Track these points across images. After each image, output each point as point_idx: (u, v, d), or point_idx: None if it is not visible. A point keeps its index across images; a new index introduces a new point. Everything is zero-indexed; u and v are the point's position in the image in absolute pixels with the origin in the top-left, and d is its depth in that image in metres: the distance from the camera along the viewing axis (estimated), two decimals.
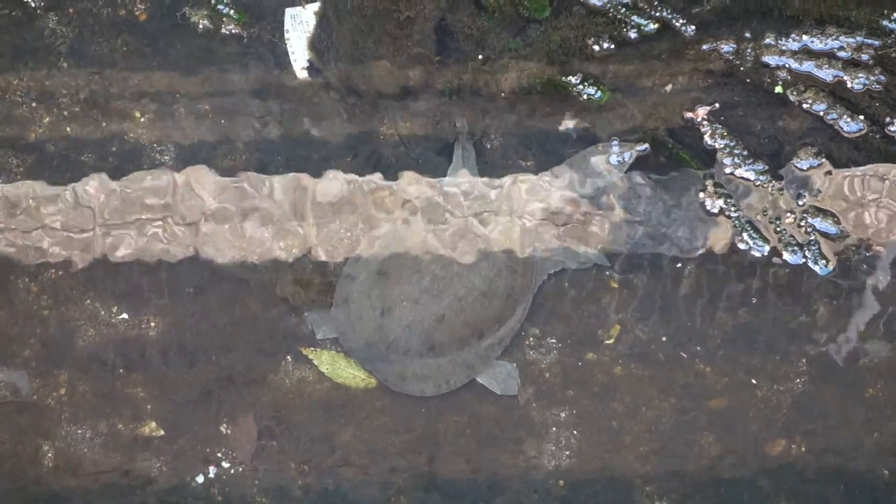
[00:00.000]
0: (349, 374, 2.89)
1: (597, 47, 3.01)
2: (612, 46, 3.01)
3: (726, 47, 2.99)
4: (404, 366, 2.83)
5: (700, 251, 2.93)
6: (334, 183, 2.94)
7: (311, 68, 3.03)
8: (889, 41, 2.94)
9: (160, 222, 2.94)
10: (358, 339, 2.84)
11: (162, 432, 2.88)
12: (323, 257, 2.93)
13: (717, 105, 2.98)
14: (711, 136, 2.96)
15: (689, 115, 2.97)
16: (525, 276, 2.87)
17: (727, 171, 2.94)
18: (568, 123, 3.00)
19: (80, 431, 2.89)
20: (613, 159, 2.90)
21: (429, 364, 2.83)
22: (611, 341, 2.92)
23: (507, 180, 2.95)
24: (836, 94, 2.95)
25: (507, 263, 2.86)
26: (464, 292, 2.83)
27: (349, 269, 2.87)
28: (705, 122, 2.96)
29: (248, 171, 2.97)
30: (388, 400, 2.89)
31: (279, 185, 2.96)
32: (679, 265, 2.93)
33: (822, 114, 2.96)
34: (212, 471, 2.87)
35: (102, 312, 2.93)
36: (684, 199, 2.95)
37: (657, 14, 3.00)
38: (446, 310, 2.82)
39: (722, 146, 2.95)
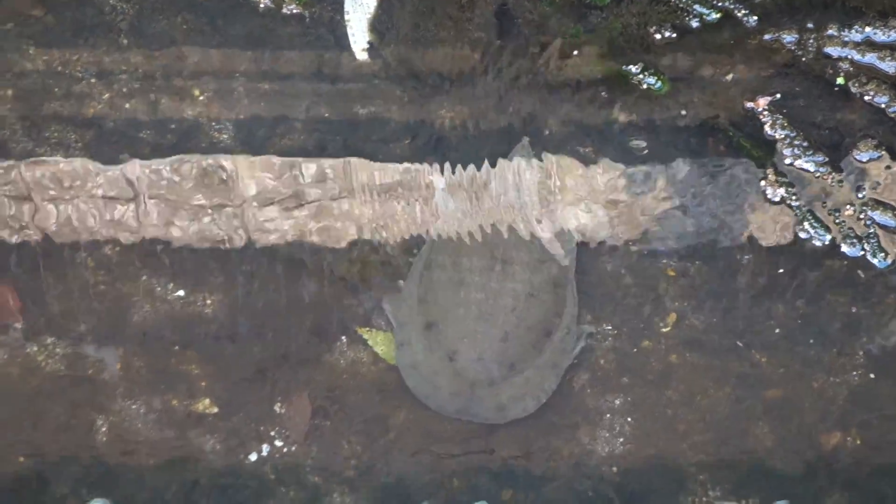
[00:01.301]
0: None
1: (658, 36, 3.00)
2: (674, 35, 3.00)
3: (788, 38, 2.98)
4: (497, 396, 2.81)
5: (749, 239, 2.92)
6: (390, 167, 2.94)
7: (371, 49, 3.03)
8: None
9: (215, 202, 2.94)
10: (443, 394, 2.82)
11: (216, 410, 2.88)
12: (379, 239, 2.92)
13: (778, 95, 2.97)
14: (772, 127, 2.95)
15: (749, 104, 2.96)
16: (556, 260, 2.85)
17: (787, 161, 2.93)
18: (603, 116, 2.99)
19: (134, 407, 2.89)
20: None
21: (517, 383, 2.82)
22: (667, 329, 2.91)
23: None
24: None
25: (534, 258, 2.85)
26: (512, 303, 2.81)
27: (399, 337, 2.85)
28: (766, 113, 2.95)
29: (306, 150, 2.96)
30: None
31: (336, 167, 2.95)
32: (737, 254, 2.92)
33: (883, 106, 2.95)
34: (265, 449, 2.87)
35: (158, 289, 2.94)
36: (736, 188, 2.94)
37: (720, 3, 2.99)
38: (505, 326, 2.80)
39: (782, 137, 2.94)
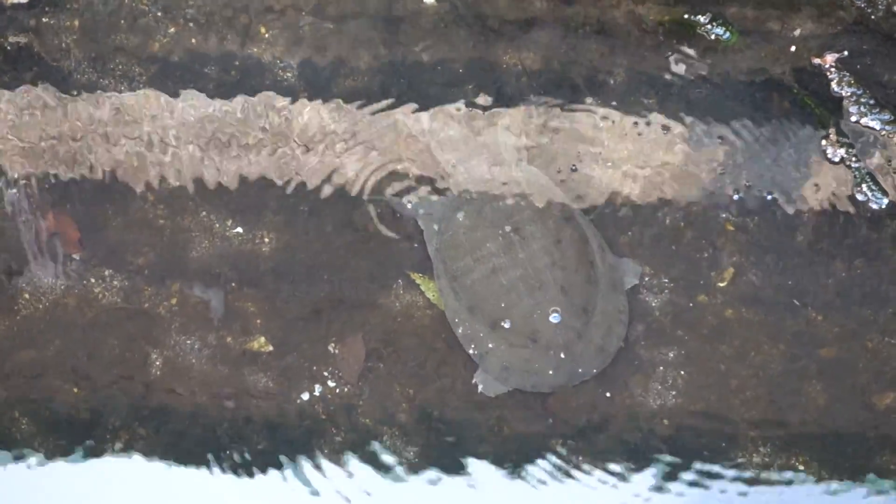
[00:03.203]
0: None
1: None
2: None
3: None
4: (591, 342, 2.81)
5: (808, 198, 2.90)
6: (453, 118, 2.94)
7: None
8: None
9: (274, 142, 2.94)
10: (548, 376, 2.81)
11: (270, 348, 2.89)
12: (439, 185, 2.93)
13: (845, 52, 2.95)
14: (838, 84, 2.93)
15: (816, 60, 2.94)
16: (552, 197, 2.85)
17: (853, 119, 2.91)
18: (669, 66, 2.97)
19: (188, 342, 2.90)
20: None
21: (598, 321, 2.81)
22: (723, 284, 2.90)
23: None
24: None
25: (536, 208, 2.84)
26: (548, 258, 2.80)
27: (478, 352, 2.82)
28: (833, 69, 2.93)
29: (370, 92, 2.96)
30: None
31: (390, 112, 2.95)
32: (796, 212, 2.91)
33: None
34: (317, 389, 2.88)
35: (217, 225, 2.94)
36: (797, 146, 2.93)
37: None
38: (557, 282, 2.79)
39: (849, 94, 2.92)
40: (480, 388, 2.84)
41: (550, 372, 2.79)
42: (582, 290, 2.79)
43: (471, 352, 2.82)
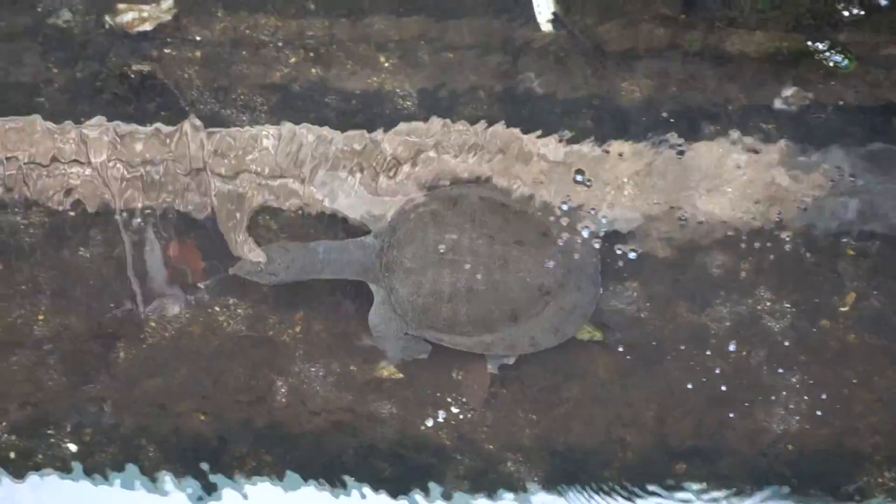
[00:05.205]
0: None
1: (846, 13, 2.99)
2: (862, 13, 2.99)
3: None
4: (576, 243, 2.89)
5: None
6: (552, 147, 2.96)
7: (556, 21, 3.04)
8: None
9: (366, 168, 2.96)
10: (584, 299, 2.88)
11: (401, 376, 2.91)
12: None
13: None
14: None
15: None
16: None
17: None
18: (786, 93, 2.98)
19: (313, 369, 2.93)
20: None
21: (556, 228, 2.89)
22: (846, 309, 2.91)
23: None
24: None
25: (430, 220, 2.88)
26: (484, 239, 2.83)
27: (528, 346, 2.88)
28: None
29: (491, 119, 2.98)
30: (616, 354, 2.90)
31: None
32: None
33: None
34: (441, 415, 2.90)
35: None
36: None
37: None
38: (508, 243, 2.83)
39: None
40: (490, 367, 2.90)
41: (579, 297, 2.86)
42: (524, 226, 2.86)
43: (528, 348, 2.87)
